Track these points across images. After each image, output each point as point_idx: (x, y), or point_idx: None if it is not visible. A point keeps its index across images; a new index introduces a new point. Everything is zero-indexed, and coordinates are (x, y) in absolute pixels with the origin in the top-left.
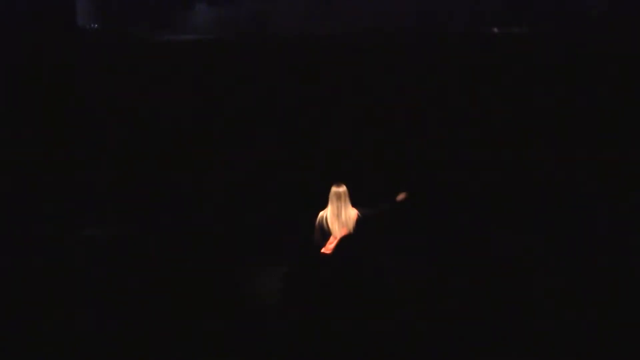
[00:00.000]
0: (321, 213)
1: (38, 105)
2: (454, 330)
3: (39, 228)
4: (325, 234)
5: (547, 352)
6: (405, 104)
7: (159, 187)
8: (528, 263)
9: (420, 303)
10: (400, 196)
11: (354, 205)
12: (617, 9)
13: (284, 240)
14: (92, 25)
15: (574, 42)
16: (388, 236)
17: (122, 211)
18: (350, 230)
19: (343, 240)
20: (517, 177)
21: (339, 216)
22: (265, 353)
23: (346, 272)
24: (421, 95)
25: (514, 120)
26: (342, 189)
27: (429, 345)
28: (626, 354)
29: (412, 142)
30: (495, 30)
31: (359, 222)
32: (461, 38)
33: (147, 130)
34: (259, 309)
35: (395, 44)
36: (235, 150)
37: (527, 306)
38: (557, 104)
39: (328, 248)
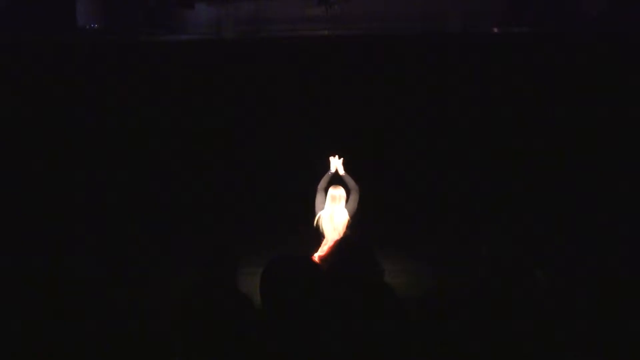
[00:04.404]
0: (319, 213)
1: (38, 105)
2: (454, 332)
3: (39, 228)
4: (320, 236)
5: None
6: (405, 103)
7: (159, 186)
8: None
9: (421, 305)
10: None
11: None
12: (617, 9)
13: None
14: (92, 25)
15: (574, 42)
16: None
17: (122, 209)
18: (340, 234)
19: (341, 243)
20: (516, 177)
21: (332, 219)
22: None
23: (344, 275)
24: (421, 95)
25: (514, 119)
26: (338, 192)
27: (430, 347)
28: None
29: (412, 143)
30: (495, 30)
31: (350, 226)
32: (461, 38)
33: (146, 130)
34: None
35: (394, 44)
36: (235, 150)
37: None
38: (557, 104)
39: (322, 250)
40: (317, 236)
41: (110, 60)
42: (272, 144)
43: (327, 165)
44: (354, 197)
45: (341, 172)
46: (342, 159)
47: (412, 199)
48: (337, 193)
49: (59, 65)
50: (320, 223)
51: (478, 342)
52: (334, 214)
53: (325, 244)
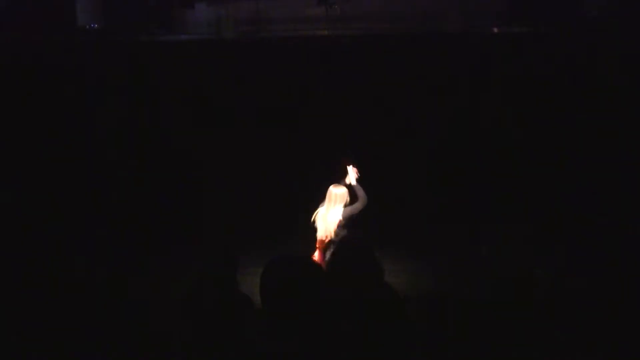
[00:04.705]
0: (317, 210)
1: (38, 105)
2: (454, 332)
3: (40, 225)
4: (315, 233)
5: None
6: (405, 103)
7: (159, 187)
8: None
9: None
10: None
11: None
12: (617, 9)
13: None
14: (92, 25)
15: (574, 42)
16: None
17: (122, 210)
18: (331, 234)
19: (341, 244)
20: (516, 177)
21: (325, 217)
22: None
23: (344, 275)
24: (421, 95)
25: (513, 119)
26: (336, 191)
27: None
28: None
29: (412, 142)
30: (495, 30)
31: (340, 226)
32: (461, 38)
33: (146, 129)
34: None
35: (394, 44)
36: (235, 150)
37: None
38: (557, 104)
39: (316, 247)
40: (315, 233)
41: (110, 60)
42: (272, 143)
43: (328, 164)
44: (357, 205)
45: (353, 182)
46: (355, 168)
47: (412, 199)
48: (335, 192)
49: (59, 65)
50: (315, 219)
51: (478, 341)
52: (328, 213)
53: (316, 240)
